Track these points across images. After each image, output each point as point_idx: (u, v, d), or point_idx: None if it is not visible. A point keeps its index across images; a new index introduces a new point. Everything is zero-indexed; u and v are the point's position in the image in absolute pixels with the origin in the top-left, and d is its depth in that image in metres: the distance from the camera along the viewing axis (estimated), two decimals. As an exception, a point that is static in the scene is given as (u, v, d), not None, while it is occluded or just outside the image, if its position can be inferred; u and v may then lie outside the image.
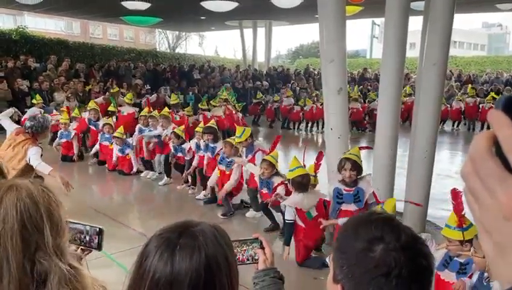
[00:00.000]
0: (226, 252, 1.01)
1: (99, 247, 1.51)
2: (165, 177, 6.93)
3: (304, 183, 4.03)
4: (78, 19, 28.91)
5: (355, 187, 3.71)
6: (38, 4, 13.79)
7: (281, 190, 4.56)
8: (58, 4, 15.44)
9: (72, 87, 11.69)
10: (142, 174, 7.32)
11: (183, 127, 6.83)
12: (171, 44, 36.38)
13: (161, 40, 37.92)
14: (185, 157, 6.45)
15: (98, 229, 1.42)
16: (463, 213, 2.84)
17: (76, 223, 1.44)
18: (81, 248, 1.48)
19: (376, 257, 0.88)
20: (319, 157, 4.54)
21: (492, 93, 13.55)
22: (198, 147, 6.18)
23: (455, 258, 2.92)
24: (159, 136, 7.08)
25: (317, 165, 4.46)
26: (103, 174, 7.54)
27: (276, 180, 4.73)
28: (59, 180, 4.90)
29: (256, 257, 1.37)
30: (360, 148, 4.10)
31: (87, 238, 1.46)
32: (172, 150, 6.62)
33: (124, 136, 7.47)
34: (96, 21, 28.27)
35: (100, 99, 9.94)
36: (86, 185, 7.14)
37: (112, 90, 10.27)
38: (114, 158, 7.43)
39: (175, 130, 6.59)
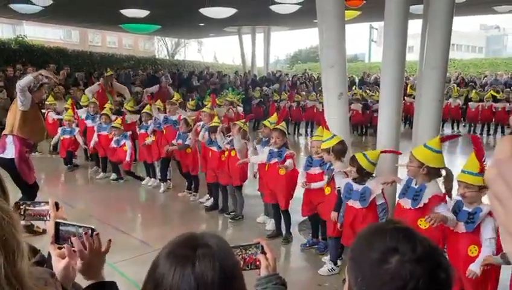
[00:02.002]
0: (235, 259, 1.07)
1: None
2: (162, 184, 6.89)
3: (344, 149, 4.19)
4: (77, 28, 29.02)
5: (363, 186, 3.71)
6: (37, 13, 13.83)
7: (289, 163, 4.62)
8: (58, 13, 15.49)
9: (72, 95, 11.70)
10: (143, 182, 7.29)
11: (194, 116, 6.72)
12: (170, 51, 36.48)
13: (160, 47, 38.06)
14: (185, 143, 6.24)
15: (90, 230, 1.38)
16: (484, 158, 2.83)
17: (67, 224, 1.40)
18: (73, 250, 1.43)
19: (391, 269, 0.86)
20: (323, 121, 4.58)
21: (492, 91, 13.56)
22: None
23: (464, 208, 2.90)
24: (160, 123, 6.83)
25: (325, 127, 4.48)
26: (104, 182, 7.53)
27: (287, 151, 4.75)
28: (44, 73, 5.11)
29: (258, 263, 1.34)
30: (383, 151, 3.98)
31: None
32: (176, 137, 6.38)
33: (122, 127, 7.31)
34: (95, 29, 28.34)
35: (95, 86, 9.66)
36: (87, 193, 7.12)
37: (106, 74, 10.16)
38: (94, 139, 7.53)
39: (186, 117, 6.50)
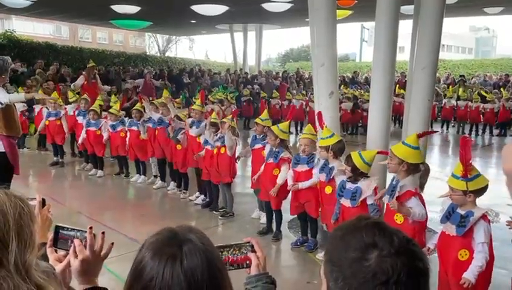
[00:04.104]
0: (216, 250, 1.09)
1: None
2: (159, 181, 6.86)
3: (343, 148, 4.23)
4: (67, 23, 28.73)
5: (355, 185, 3.74)
6: (27, 8, 13.67)
7: (281, 178, 4.58)
8: (48, 8, 15.32)
9: (61, 92, 11.59)
10: (132, 179, 7.25)
11: (186, 112, 6.65)
12: (161, 48, 36.28)
13: (151, 43, 37.85)
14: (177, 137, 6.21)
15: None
16: (470, 162, 2.81)
17: (67, 228, 1.40)
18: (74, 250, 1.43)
19: (372, 265, 0.85)
20: (320, 118, 4.56)
21: (482, 91, 13.75)
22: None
23: (457, 210, 2.88)
24: (154, 122, 6.67)
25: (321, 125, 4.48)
26: (93, 179, 7.47)
27: (284, 154, 4.69)
28: (37, 97, 4.92)
29: (248, 262, 1.34)
30: (380, 152, 4.00)
31: None
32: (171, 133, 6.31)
33: (119, 113, 7.29)
34: (85, 25, 28.10)
35: (80, 79, 9.63)
36: (76, 189, 7.06)
37: (88, 65, 10.17)
38: (83, 135, 7.42)
39: (178, 113, 6.44)
